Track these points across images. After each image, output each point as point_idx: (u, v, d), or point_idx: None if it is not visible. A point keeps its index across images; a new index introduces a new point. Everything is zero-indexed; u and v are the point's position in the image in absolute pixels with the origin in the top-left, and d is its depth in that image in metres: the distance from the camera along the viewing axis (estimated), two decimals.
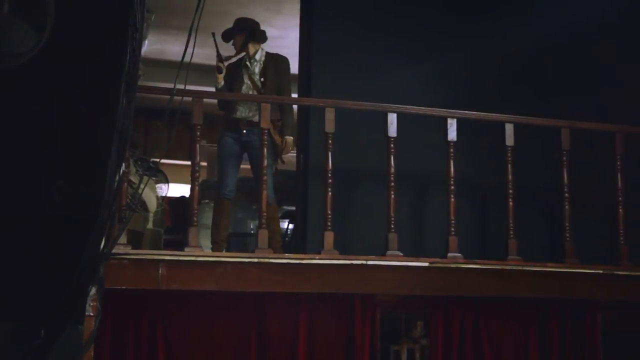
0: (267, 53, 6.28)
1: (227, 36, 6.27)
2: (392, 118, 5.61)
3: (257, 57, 6.22)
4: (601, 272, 5.78)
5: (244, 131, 6.07)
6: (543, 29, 6.71)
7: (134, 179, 5.80)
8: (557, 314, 6.05)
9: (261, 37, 6.30)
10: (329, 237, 5.38)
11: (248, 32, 6.22)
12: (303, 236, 6.12)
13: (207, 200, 6.94)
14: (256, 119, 5.88)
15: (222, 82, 6.10)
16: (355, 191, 6.20)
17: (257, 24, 6.35)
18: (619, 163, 5.92)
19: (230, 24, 6.35)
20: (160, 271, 5.07)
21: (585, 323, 6.08)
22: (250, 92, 6.13)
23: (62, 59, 2.88)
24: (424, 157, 6.16)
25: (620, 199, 5.89)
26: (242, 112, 6.09)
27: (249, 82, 6.15)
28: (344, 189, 5.98)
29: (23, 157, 2.92)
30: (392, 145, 5.58)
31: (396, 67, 6.46)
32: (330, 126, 5.51)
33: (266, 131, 5.49)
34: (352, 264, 5.38)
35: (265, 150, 5.43)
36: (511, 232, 5.70)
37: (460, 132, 5.72)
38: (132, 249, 5.12)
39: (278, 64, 6.20)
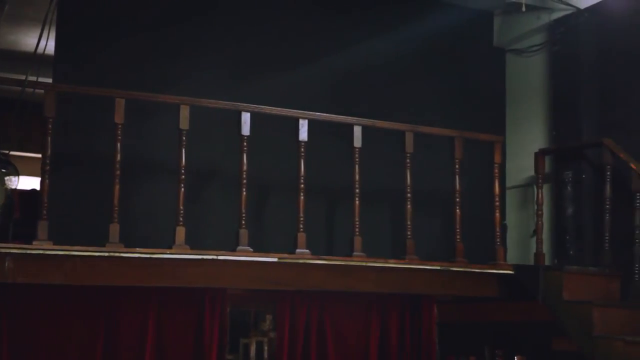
0: None
1: None
2: (246, 117, 5.77)
3: None
4: (438, 268, 6.14)
5: None
6: (392, 43, 7.12)
7: None
8: (397, 307, 6.41)
9: None
10: (181, 232, 5.48)
11: None
12: (155, 231, 6.18)
13: None
14: None
15: None
16: (207, 188, 6.33)
17: None
18: (457, 166, 6.32)
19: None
20: (6, 264, 5.02)
21: (423, 315, 6.46)
22: None
23: None
24: (276, 156, 6.37)
25: (457, 200, 6.28)
26: None
27: None
28: (197, 186, 6.11)
29: None
30: (245, 144, 5.73)
31: (262, 71, 6.64)
32: (184, 123, 5.61)
33: (120, 125, 5.50)
34: (202, 259, 5.50)
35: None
36: (357, 230, 5.97)
37: (313, 133, 5.95)
38: None
39: None
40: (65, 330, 5.59)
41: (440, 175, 6.61)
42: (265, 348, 6.60)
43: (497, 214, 6.44)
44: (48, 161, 5.27)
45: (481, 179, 6.73)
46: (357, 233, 5.96)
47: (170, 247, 5.46)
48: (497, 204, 6.45)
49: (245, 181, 5.68)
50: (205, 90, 6.10)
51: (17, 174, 6.81)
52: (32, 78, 5.61)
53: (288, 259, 5.73)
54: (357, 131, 6.09)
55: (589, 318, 5.67)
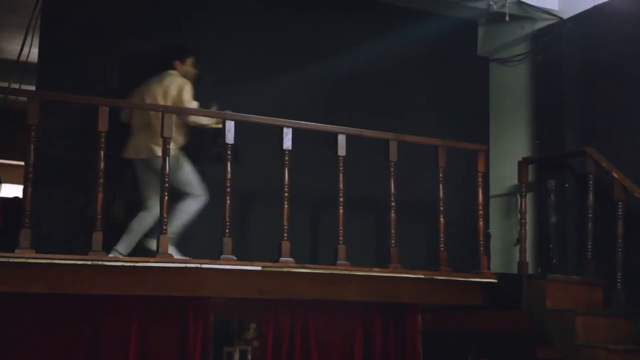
0: None
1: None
2: (230, 125, 5.76)
3: None
4: (422, 276, 6.14)
5: None
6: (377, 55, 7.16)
7: None
8: (381, 315, 6.40)
9: None
10: (164, 240, 5.46)
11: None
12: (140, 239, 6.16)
13: None
14: None
15: None
16: None
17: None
18: (441, 175, 6.33)
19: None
20: None
21: (407, 324, 6.46)
22: None
23: None
24: (260, 165, 6.37)
25: (441, 208, 6.29)
26: None
27: None
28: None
29: None
30: (229, 153, 5.72)
31: (247, 80, 6.65)
32: (168, 132, 5.58)
33: (103, 133, 5.48)
34: (186, 267, 5.49)
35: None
36: (341, 238, 5.96)
37: (296, 142, 5.95)
38: None
39: None
40: (48, 339, 5.55)
41: (425, 183, 6.62)
42: (249, 357, 6.59)
43: (481, 223, 6.46)
44: (31, 169, 5.23)
45: (465, 187, 6.75)
46: (341, 241, 5.94)
47: (153, 256, 5.44)
48: (481, 212, 6.46)
49: (229, 189, 5.67)
50: None
51: (0, 181, 6.79)
52: (15, 85, 5.59)
53: (272, 267, 5.72)
54: (342, 140, 6.08)
55: (572, 326, 5.70)
